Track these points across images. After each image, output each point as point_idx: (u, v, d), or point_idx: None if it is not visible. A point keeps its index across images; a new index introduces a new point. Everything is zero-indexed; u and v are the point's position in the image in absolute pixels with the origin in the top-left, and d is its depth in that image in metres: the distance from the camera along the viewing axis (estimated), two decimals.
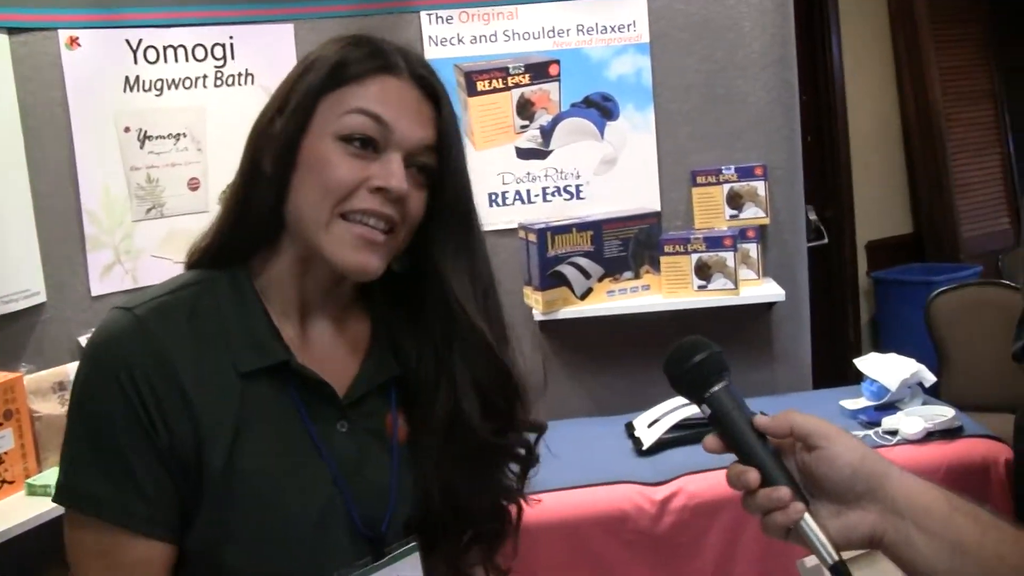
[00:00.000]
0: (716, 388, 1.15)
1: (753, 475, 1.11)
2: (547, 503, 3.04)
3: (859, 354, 3.74)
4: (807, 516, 1.09)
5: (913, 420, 3.17)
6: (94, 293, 3.22)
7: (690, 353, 1.17)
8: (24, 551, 2.79)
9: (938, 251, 6.14)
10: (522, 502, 1.52)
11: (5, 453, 2.78)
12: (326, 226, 1.33)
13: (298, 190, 1.35)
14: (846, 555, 1.10)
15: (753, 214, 3.82)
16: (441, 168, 1.39)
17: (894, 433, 3.18)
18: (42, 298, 3.07)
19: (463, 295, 1.41)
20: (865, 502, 1.08)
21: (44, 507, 2.70)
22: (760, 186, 3.80)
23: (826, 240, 5.62)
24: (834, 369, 4.98)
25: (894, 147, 6.20)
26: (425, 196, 1.38)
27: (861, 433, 3.21)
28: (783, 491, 1.09)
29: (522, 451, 1.51)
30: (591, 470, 3.14)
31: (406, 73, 1.38)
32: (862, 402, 3.41)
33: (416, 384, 1.44)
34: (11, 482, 2.79)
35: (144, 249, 3.35)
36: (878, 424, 3.24)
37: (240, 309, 1.37)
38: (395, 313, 1.46)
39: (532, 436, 1.52)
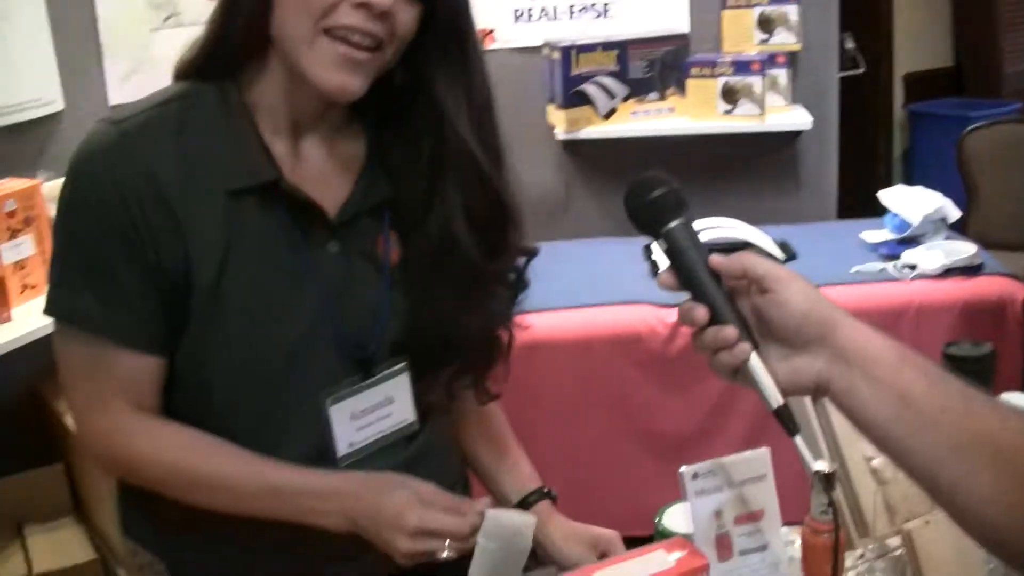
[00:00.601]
0: (672, 224, 1.13)
1: (701, 312, 1.09)
2: (559, 321, 3.07)
3: (889, 187, 3.69)
4: (754, 357, 1.08)
5: (933, 255, 3.14)
6: (112, 101, 3.22)
7: (649, 187, 1.14)
8: (46, 352, 2.85)
9: (978, 86, 5.98)
10: (513, 327, 1.52)
11: (26, 259, 2.81)
12: (309, 43, 1.28)
13: (281, 5, 1.29)
14: None
15: (784, 39, 3.73)
16: None
17: (913, 267, 3.15)
18: (59, 106, 3.07)
19: (456, 115, 1.36)
20: (814, 348, 1.07)
21: None
22: (792, 11, 3.70)
23: (862, 69, 5.49)
24: (862, 201, 4.93)
25: None
26: (418, 11, 1.32)
27: (879, 266, 3.20)
28: (729, 330, 1.08)
29: (511, 276, 1.49)
30: (607, 290, 3.16)
31: None
32: (884, 235, 3.38)
33: (409, 206, 1.41)
34: (33, 287, 2.83)
35: (163, 57, 3.29)
36: (897, 257, 3.21)
37: (229, 125, 1.34)
38: (390, 133, 1.42)
39: (522, 261, 1.50)
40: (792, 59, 3.76)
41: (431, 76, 1.37)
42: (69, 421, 2.90)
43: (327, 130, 1.41)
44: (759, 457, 1.26)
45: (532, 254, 1.50)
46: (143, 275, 1.29)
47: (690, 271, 1.12)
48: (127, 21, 3.22)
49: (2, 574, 2.76)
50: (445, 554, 1.27)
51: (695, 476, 1.22)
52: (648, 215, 1.14)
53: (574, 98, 3.63)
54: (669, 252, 1.13)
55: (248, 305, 1.32)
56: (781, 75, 3.71)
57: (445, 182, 1.38)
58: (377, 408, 1.39)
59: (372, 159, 1.43)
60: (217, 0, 1.35)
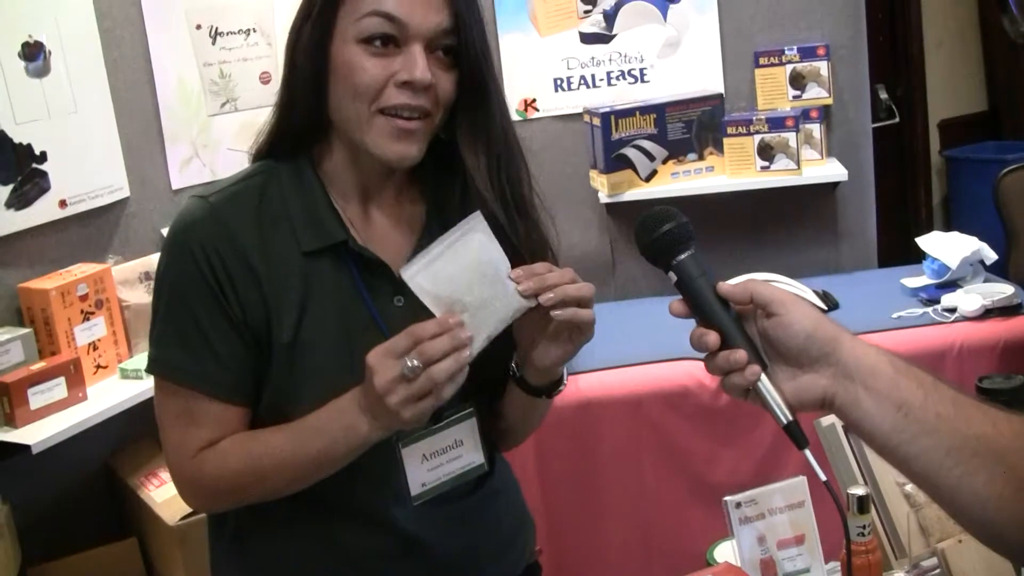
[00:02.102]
0: (682, 256, 1.19)
1: (712, 337, 1.16)
2: (611, 379, 3.16)
3: (930, 233, 3.75)
4: (763, 378, 1.15)
5: (972, 297, 3.20)
6: (174, 186, 3.34)
7: (658, 222, 1.21)
8: (119, 429, 2.99)
9: (1015, 129, 6.03)
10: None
11: (98, 340, 2.95)
12: (367, 122, 1.42)
13: (335, 92, 1.44)
14: None
15: (816, 94, 3.82)
16: (458, 46, 1.45)
17: (953, 310, 3.22)
18: (126, 192, 3.19)
19: (472, 166, 1.49)
20: (819, 366, 1.14)
21: (136, 389, 2.89)
22: (823, 66, 3.80)
23: (897, 119, 5.57)
24: (904, 248, 4.99)
25: (968, 22, 6.07)
26: (455, 75, 1.46)
27: (920, 311, 3.27)
28: (740, 353, 1.15)
29: None
30: (654, 347, 3.24)
31: None
32: (923, 280, 3.45)
33: None
34: (105, 367, 2.97)
35: (220, 142, 3.46)
36: (937, 301, 3.28)
37: (302, 194, 1.48)
38: (444, 191, 1.54)
39: None
40: (825, 112, 3.85)
41: (456, 131, 1.50)
42: (142, 496, 3.01)
43: (392, 193, 1.54)
44: (797, 485, 1.35)
45: None
46: (230, 332, 1.44)
47: (700, 299, 1.19)
48: (186, 108, 3.37)
49: None
50: (414, 362, 1.31)
51: (738, 505, 1.31)
52: (657, 249, 1.21)
53: (615, 162, 3.73)
54: (679, 283, 1.20)
55: (322, 356, 1.45)
56: (815, 129, 3.80)
57: None
58: (447, 450, 1.48)
59: (432, 216, 1.55)
60: (279, 92, 1.51)
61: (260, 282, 1.44)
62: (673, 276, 1.21)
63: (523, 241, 1.50)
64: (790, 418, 1.15)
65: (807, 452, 1.17)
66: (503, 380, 1.54)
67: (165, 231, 3.19)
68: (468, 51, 1.45)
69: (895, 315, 3.27)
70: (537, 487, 3.13)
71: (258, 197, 1.48)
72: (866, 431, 1.13)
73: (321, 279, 1.46)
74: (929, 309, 3.27)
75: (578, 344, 1.44)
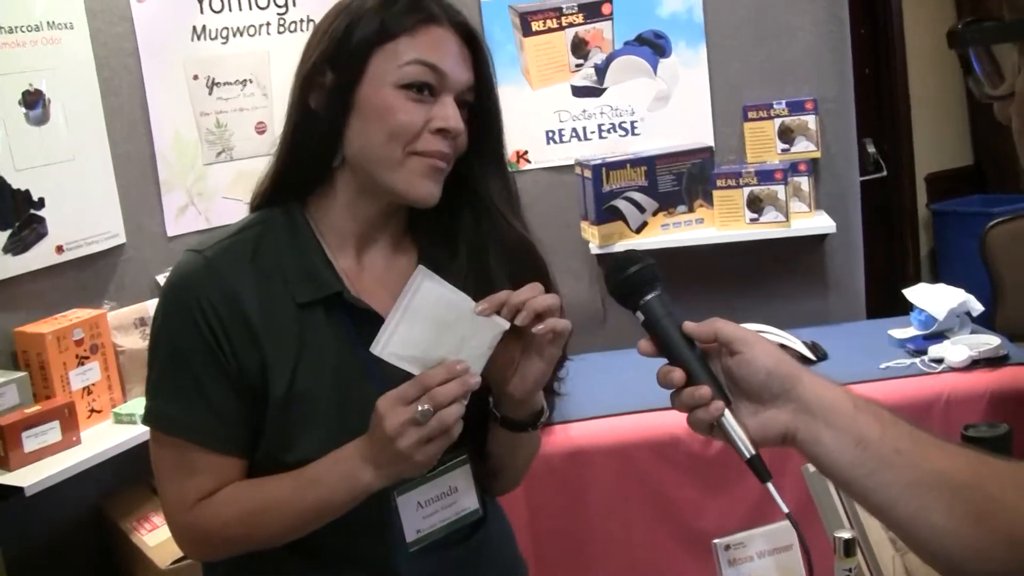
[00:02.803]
0: (649, 297, 1.24)
1: (678, 374, 1.20)
2: (601, 428, 3.18)
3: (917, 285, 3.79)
4: (727, 413, 1.18)
5: (959, 348, 3.23)
6: (170, 234, 3.38)
7: (626, 265, 1.25)
8: (111, 473, 3.01)
9: (999, 182, 6.11)
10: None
11: (93, 384, 2.97)
12: (400, 164, 1.47)
13: (361, 134, 1.48)
14: None
15: (804, 147, 3.88)
16: (480, 103, 1.53)
17: (940, 361, 3.25)
18: (121, 239, 3.23)
19: (502, 205, 1.55)
20: (780, 402, 1.17)
21: (129, 433, 2.91)
22: (811, 120, 3.86)
23: (884, 173, 5.64)
24: (892, 300, 5.03)
25: (954, 77, 6.16)
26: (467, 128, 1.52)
27: (907, 361, 3.30)
28: (704, 389, 1.19)
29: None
30: (644, 396, 3.26)
31: (447, 21, 1.50)
32: (910, 331, 3.48)
33: None
34: (99, 411, 2.99)
35: (215, 191, 3.50)
36: (925, 352, 3.31)
37: (296, 244, 1.51)
38: (435, 240, 1.59)
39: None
40: (813, 166, 3.90)
41: (476, 179, 1.55)
42: (134, 540, 3.02)
43: (386, 243, 1.58)
44: (783, 529, 1.37)
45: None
46: (227, 385, 1.45)
47: (666, 338, 1.22)
48: (183, 157, 3.41)
49: None
50: (425, 407, 1.35)
51: (727, 548, 1.34)
52: (626, 290, 1.25)
53: (606, 214, 3.77)
54: (646, 323, 1.24)
55: (317, 407, 1.47)
56: (803, 182, 3.85)
57: (490, 261, 1.53)
58: (441, 497, 1.51)
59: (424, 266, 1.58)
60: (283, 131, 1.54)
61: (256, 335, 1.46)
62: (641, 316, 1.25)
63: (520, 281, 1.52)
64: (752, 452, 1.18)
65: (770, 485, 1.20)
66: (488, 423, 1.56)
67: (160, 278, 3.25)
68: (489, 108, 1.54)
69: (883, 365, 3.30)
70: (527, 535, 3.14)
71: (252, 250, 1.50)
72: (826, 465, 1.16)
73: (315, 330, 1.49)
74: (916, 360, 3.30)
75: (551, 361, 1.46)
